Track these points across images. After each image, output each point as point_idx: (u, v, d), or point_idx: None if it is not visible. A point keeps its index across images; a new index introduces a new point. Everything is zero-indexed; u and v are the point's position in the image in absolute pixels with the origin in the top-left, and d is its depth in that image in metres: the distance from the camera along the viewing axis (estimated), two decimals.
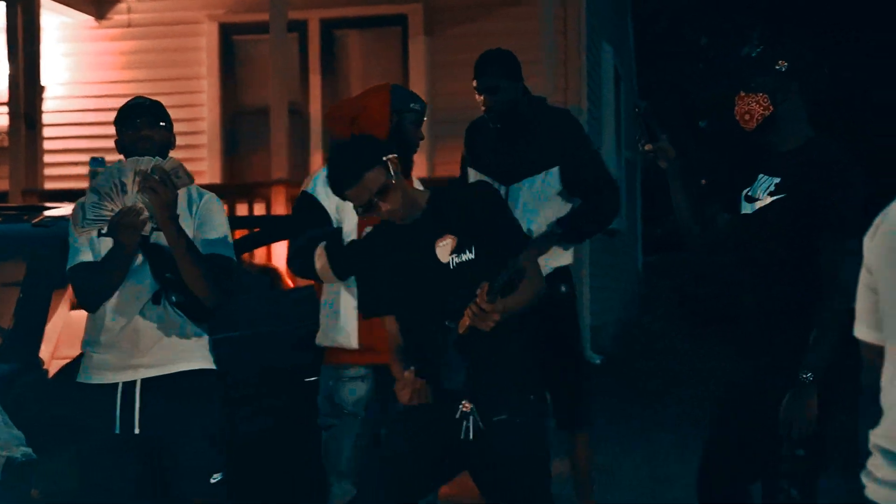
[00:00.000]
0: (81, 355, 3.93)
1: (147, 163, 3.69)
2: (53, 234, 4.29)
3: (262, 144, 9.54)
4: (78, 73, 10.43)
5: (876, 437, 2.34)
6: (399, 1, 9.96)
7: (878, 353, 2.37)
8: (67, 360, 4.10)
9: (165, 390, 3.78)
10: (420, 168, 4.43)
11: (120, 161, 3.78)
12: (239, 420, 4.46)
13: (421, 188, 4.43)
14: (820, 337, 3.52)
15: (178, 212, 3.73)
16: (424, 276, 3.54)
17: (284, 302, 5.59)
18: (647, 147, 3.82)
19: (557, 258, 4.81)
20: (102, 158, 4.76)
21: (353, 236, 4.16)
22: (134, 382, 3.77)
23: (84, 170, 7.86)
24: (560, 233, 4.74)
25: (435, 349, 3.44)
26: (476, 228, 3.53)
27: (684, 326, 12.32)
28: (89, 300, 3.82)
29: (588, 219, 4.83)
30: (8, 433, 3.45)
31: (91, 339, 3.85)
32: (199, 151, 10.01)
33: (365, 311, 3.77)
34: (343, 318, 4.18)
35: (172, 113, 4.02)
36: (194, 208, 3.87)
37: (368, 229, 4.15)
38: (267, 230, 5.66)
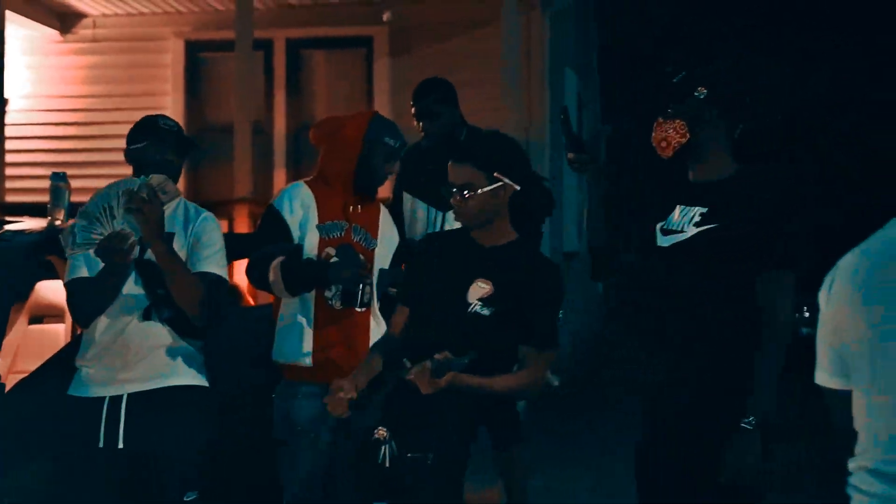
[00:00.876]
0: (39, 369, 3.92)
1: (134, 184, 3.70)
2: (13, 247, 4.28)
3: (225, 162, 9.54)
4: (41, 87, 10.32)
5: (857, 461, 2.36)
6: (365, 22, 10.02)
7: (842, 396, 2.41)
8: (24, 375, 4.09)
9: (151, 405, 3.78)
10: (383, 187, 4.48)
11: (109, 185, 3.78)
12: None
13: (387, 211, 4.47)
14: (763, 379, 3.30)
15: (172, 230, 3.77)
16: (451, 296, 3.51)
17: (247, 319, 5.58)
18: (570, 156, 3.68)
19: None
20: (64, 173, 4.74)
21: (314, 254, 4.19)
22: (121, 397, 3.77)
23: (46, 183, 7.82)
24: None
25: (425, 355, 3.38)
26: (520, 301, 3.47)
27: (646, 340, 12.31)
28: (81, 315, 3.83)
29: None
30: None
31: (82, 353, 3.85)
32: None
33: (399, 295, 3.77)
34: (298, 335, 4.19)
35: None
36: (190, 227, 3.89)
37: (329, 249, 4.18)
38: (229, 247, 5.64)
